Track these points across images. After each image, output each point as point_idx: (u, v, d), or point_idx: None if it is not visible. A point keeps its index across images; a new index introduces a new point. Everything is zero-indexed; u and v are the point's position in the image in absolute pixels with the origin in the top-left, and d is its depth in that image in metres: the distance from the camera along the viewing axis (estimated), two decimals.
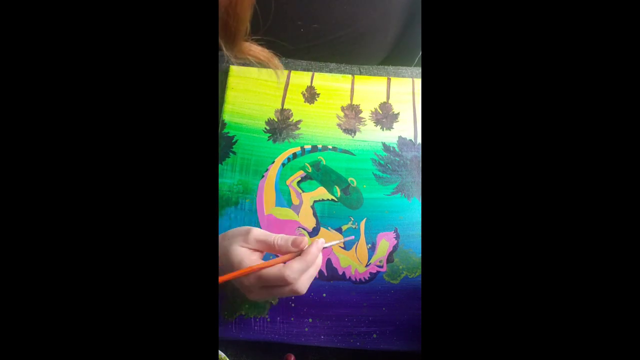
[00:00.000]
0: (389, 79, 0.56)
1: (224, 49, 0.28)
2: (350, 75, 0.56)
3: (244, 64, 0.53)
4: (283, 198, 0.47)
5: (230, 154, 0.49)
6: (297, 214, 0.46)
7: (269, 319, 0.41)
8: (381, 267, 0.44)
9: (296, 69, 0.55)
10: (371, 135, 0.51)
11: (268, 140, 0.50)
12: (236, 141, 0.50)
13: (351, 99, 0.54)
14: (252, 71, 0.54)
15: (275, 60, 0.32)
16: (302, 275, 0.34)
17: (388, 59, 0.64)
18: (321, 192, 0.47)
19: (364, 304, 0.42)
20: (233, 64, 0.52)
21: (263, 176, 0.48)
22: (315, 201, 0.47)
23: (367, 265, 0.44)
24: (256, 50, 0.30)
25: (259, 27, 0.29)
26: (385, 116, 0.53)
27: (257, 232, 0.35)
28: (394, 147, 0.51)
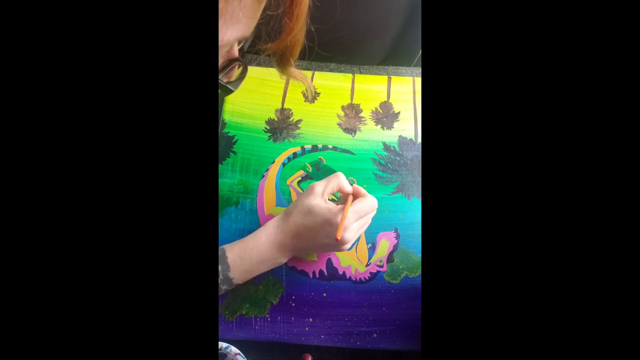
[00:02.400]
0: (389, 78, 0.56)
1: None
2: (350, 75, 0.56)
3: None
4: (284, 198, 0.47)
5: (231, 153, 0.49)
6: None
7: (269, 319, 0.41)
8: (381, 266, 0.44)
9: (296, 68, 0.55)
10: (371, 134, 0.51)
11: (268, 140, 0.50)
12: (236, 141, 0.50)
13: (351, 98, 0.54)
14: (253, 70, 0.54)
15: (308, 80, 0.37)
16: (352, 222, 0.39)
17: (388, 58, 0.64)
18: None
19: (364, 304, 0.42)
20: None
21: (263, 176, 0.48)
22: None
23: (367, 265, 0.44)
24: (296, 72, 0.35)
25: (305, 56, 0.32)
26: (385, 115, 0.53)
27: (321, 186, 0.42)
28: (394, 147, 0.51)
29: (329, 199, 0.42)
